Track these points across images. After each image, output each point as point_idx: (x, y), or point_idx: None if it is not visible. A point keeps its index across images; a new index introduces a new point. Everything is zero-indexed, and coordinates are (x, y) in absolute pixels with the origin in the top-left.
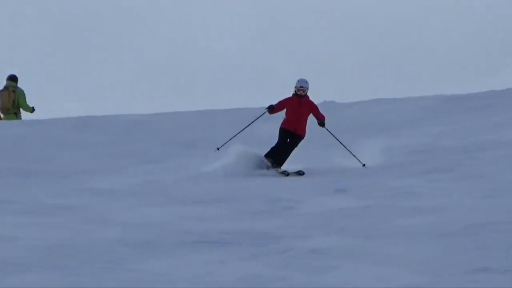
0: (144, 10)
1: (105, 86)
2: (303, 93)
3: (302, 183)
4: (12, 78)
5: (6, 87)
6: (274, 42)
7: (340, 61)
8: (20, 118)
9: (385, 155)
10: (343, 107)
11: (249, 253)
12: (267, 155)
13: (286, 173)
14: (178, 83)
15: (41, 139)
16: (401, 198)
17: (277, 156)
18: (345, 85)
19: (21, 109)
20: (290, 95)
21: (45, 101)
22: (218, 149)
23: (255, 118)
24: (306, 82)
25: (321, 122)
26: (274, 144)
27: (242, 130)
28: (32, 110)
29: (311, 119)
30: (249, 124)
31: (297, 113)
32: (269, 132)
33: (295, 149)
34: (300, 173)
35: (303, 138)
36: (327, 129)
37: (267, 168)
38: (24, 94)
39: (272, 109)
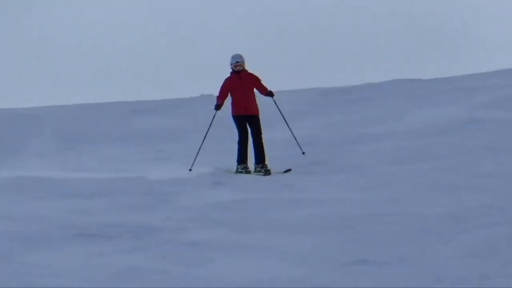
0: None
1: None
2: (240, 68)
3: (181, 175)
4: None
5: None
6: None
7: (216, 56)
8: None
9: (266, 147)
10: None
11: (128, 245)
12: (240, 161)
13: (268, 172)
14: (58, 76)
15: None
16: (279, 191)
17: (253, 154)
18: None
19: None
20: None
21: None
22: (190, 170)
23: (209, 125)
24: (241, 56)
25: (269, 92)
26: (237, 139)
27: (202, 142)
28: None
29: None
30: (206, 134)
31: (241, 92)
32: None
33: (262, 131)
34: (288, 170)
35: (258, 115)
36: (273, 100)
37: (249, 172)
38: None
39: (218, 105)
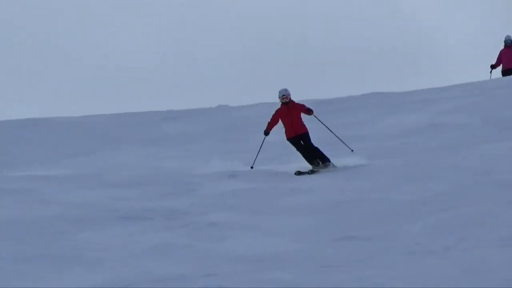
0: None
1: (42, 91)
2: (287, 100)
3: (203, 169)
4: None
5: None
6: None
7: (229, 70)
8: None
9: (270, 147)
10: (235, 109)
11: (161, 226)
12: (312, 163)
13: (333, 165)
14: (104, 87)
15: None
16: (283, 181)
17: (314, 157)
18: (235, 91)
19: None
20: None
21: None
22: (252, 167)
23: (260, 146)
24: (286, 90)
25: (310, 112)
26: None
27: (258, 153)
28: None
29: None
30: (258, 153)
31: (289, 119)
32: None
33: (312, 143)
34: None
35: (307, 132)
36: (315, 116)
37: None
38: None
39: (267, 132)
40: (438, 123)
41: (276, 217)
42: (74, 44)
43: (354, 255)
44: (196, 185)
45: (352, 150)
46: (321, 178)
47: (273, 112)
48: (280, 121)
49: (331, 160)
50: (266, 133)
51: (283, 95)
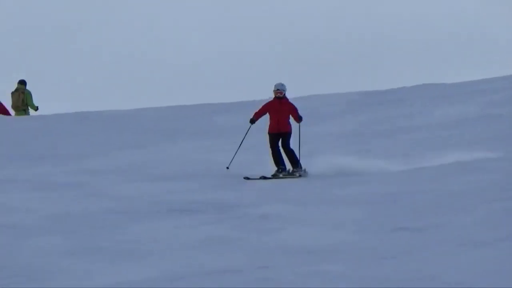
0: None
1: (94, 85)
2: (281, 95)
3: (252, 162)
4: (22, 82)
5: (16, 89)
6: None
7: (279, 62)
8: (29, 114)
9: (320, 140)
10: None
11: (212, 218)
12: (278, 166)
13: (305, 174)
14: (155, 81)
15: (46, 130)
16: (334, 173)
17: (282, 161)
18: (284, 83)
19: (29, 107)
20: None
21: (48, 99)
22: (227, 168)
23: (245, 134)
24: (282, 85)
25: (299, 118)
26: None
27: (239, 146)
28: (36, 109)
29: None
30: (243, 140)
31: (277, 115)
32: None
33: (290, 144)
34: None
35: (289, 132)
36: (299, 125)
37: (283, 175)
38: (31, 95)
39: (253, 121)
40: (488, 114)
41: (328, 208)
42: (125, 38)
43: (407, 246)
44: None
45: (304, 169)
46: (373, 169)
47: (264, 104)
48: (267, 113)
49: (303, 167)
50: (253, 121)
51: (278, 89)
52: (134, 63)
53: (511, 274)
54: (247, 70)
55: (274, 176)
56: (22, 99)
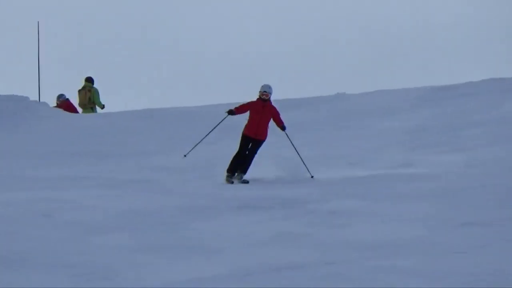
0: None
1: (159, 83)
2: (266, 98)
3: (319, 157)
4: (89, 80)
5: (83, 87)
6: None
7: (347, 58)
8: (95, 112)
9: (387, 134)
10: (353, 97)
11: (280, 214)
12: (235, 171)
13: (246, 181)
14: (220, 77)
15: (112, 128)
16: (401, 168)
17: (240, 165)
18: (352, 79)
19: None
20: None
21: (114, 96)
22: (185, 155)
23: (218, 123)
24: (270, 87)
25: (283, 126)
26: (235, 152)
27: (206, 136)
28: (102, 106)
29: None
30: (212, 129)
31: (259, 117)
32: None
33: (256, 155)
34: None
35: (263, 141)
36: (286, 134)
37: (231, 182)
38: (98, 93)
39: (233, 112)
40: None
41: (395, 203)
42: (191, 36)
43: (476, 240)
44: (314, 173)
45: (312, 176)
46: (440, 164)
47: (250, 101)
48: (248, 112)
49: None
50: (232, 113)
51: (264, 91)
52: (197, 60)
53: None
54: (313, 65)
55: (228, 181)
56: (89, 97)
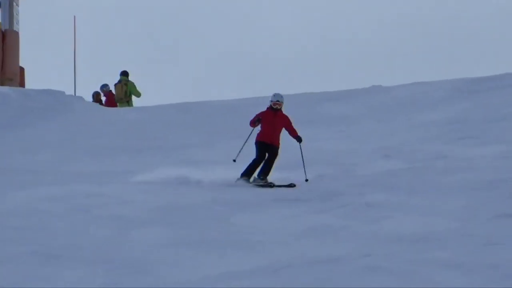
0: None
1: (196, 76)
2: (278, 107)
3: (357, 150)
4: (124, 73)
5: (119, 81)
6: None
7: (384, 51)
8: (132, 105)
9: (424, 126)
10: (389, 89)
11: (317, 207)
12: (244, 174)
13: (272, 185)
14: (258, 71)
15: (150, 121)
16: (438, 160)
17: (261, 168)
18: (388, 71)
19: (132, 97)
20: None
21: (151, 90)
22: (234, 160)
23: (248, 135)
24: (282, 96)
25: (298, 136)
26: (251, 161)
27: (249, 136)
28: (139, 95)
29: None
30: (249, 136)
31: (271, 128)
32: None
33: (276, 158)
34: (291, 185)
35: (278, 148)
36: (300, 147)
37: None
38: (134, 85)
39: (254, 123)
40: None
41: (432, 196)
42: (228, 29)
43: None
44: (351, 166)
45: (307, 180)
46: (475, 157)
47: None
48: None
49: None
50: (254, 125)
51: (277, 101)
52: (235, 53)
53: None
54: (351, 58)
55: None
56: (125, 90)
